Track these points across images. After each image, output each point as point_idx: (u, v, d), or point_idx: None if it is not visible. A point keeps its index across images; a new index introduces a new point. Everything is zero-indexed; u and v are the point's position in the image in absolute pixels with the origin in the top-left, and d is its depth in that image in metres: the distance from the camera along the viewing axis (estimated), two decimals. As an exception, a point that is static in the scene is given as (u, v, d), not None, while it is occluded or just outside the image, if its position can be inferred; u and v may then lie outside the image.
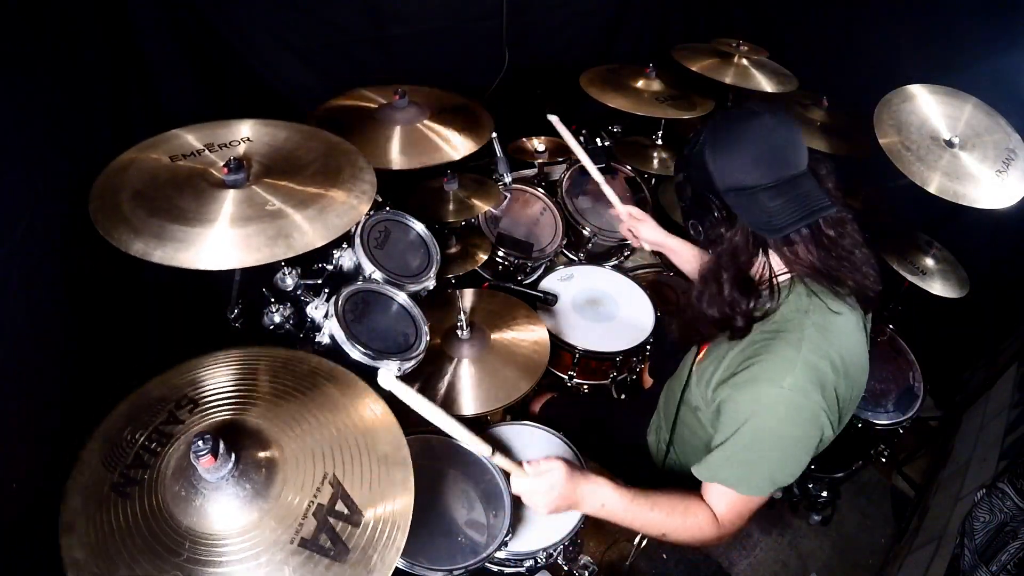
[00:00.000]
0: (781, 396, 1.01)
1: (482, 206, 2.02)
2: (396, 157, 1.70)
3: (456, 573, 1.31)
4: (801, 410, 1.02)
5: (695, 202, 1.13)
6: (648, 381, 2.14)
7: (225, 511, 0.92)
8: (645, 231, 1.73)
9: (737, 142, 1.05)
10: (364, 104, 1.90)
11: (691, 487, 1.19)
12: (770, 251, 1.11)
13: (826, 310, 1.07)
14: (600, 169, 2.34)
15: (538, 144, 2.55)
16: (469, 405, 1.64)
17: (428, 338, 1.52)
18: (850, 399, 1.12)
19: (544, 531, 1.49)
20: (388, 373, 1.03)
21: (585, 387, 2.05)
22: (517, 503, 1.31)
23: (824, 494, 2.09)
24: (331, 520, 0.94)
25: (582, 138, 2.43)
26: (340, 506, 0.96)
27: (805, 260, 1.09)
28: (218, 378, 1.14)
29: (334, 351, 1.37)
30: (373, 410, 1.12)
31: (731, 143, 1.05)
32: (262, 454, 0.99)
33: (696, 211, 1.14)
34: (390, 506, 0.99)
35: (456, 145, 1.76)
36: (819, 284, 1.09)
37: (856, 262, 1.10)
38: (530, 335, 1.85)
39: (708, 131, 1.09)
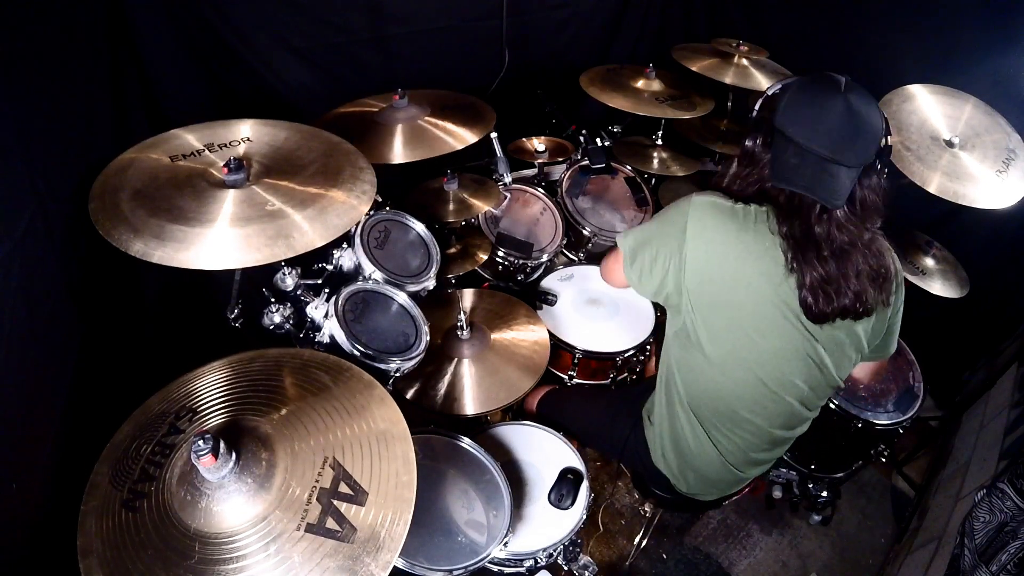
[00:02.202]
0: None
1: (482, 206, 2.02)
2: (399, 151, 1.70)
3: (456, 573, 1.31)
4: (680, 202, 1.26)
5: (758, 115, 1.23)
6: (652, 372, 2.14)
7: (230, 508, 0.93)
8: None
9: (810, 103, 1.14)
10: (366, 109, 1.90)
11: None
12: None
13: (754, 216, 1.19)
14: (600, 169, 2.36)
15: (538, 144, 2.55)
16: (469, 405, 1.65)
17: (428, 338, 1.52)
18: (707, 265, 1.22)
19: (544, 531, 1.49)
20: None
21: (586, 387, 2.05)
22: (518, 503, 1.33)
23: (824, 494, 2.09)
24: (335, 503, 0.95)
25: (582, 138, 2.43)
26: (343, 487, 0.97)
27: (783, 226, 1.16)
28: (214, 384, 1.15)
29: (334, 351, 1.37)
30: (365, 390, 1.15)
31: (806, 100, 1.14)
32: (261, 447, 1.00)
33: (752, 124, 1.24)
34: (393, 481, 1.00)
35: (459, 136, 1.76)
36: (773, 214, 1.18)
37: (822, 271, 1.14)
38: (530, 335, 1.85)
39: (806, 79, 1.17)
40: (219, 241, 1.13)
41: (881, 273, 1.19)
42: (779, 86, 1.20)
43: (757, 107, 1.23)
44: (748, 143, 1.21)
